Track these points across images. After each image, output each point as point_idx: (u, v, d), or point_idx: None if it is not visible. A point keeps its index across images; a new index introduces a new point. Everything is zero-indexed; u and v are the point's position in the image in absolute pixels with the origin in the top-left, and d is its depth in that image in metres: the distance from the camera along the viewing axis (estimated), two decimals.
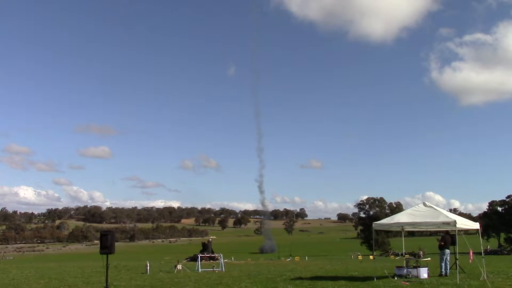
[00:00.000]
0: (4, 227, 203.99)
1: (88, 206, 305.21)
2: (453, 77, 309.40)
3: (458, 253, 17.41)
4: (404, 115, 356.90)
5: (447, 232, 18.04)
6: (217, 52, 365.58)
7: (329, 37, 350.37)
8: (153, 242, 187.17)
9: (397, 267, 18.23)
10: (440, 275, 16.80)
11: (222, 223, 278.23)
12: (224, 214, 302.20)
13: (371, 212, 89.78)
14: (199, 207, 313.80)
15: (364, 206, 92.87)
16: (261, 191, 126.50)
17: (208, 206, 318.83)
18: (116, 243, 12.87)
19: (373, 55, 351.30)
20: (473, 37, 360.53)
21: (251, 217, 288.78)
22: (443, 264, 17.16)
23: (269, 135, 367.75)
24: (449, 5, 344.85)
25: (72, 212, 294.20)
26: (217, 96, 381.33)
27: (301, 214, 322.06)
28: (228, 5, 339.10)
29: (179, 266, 26.02)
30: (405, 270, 17.02)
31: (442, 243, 17.40)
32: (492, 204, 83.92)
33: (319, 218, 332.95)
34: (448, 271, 16.98)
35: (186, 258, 43.33)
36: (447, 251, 17.26)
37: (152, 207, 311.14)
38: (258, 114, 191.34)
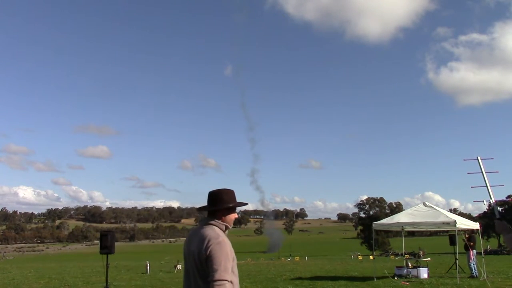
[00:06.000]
0: (4, 227, 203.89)
1: (88, 206, 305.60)
2: (450, 77, 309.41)
3: (458, 253, 17.38)
4: (402, 115, 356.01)
5: (472, 231, 17.86)
6: (215, 52, 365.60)
7: (326, 38, 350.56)
8: (153, 242, 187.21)
9: (397, 267, 18.22)
10: (472, 277, 16.20)
11: None
12: None
13: (371, 212, 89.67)
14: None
15: (364, 206, 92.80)
16: (256, 187, 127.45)
17: None
18: (116, 243, 12.81)
19: (370, 55, 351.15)
20: (469, 37, 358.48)
21: (251, 217, 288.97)
22: (472, 265, 16.57)
23: (267, 135, 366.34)
24: (445, 4, 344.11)
25: (72, 212, 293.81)
26: (216, 96, 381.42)
27: (301, 214, 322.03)
28: (227, 4, 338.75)
29: (179, 266, 26.01)
30: (405, 270, 16.99)
31: (472, 243, 16.81)
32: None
33: (319, 218, 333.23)
34: (477, 273, 16.31)
35: None
36: (475, 251, 16.79)
37: (152, 207, 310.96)
38: (244, 106, 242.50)
